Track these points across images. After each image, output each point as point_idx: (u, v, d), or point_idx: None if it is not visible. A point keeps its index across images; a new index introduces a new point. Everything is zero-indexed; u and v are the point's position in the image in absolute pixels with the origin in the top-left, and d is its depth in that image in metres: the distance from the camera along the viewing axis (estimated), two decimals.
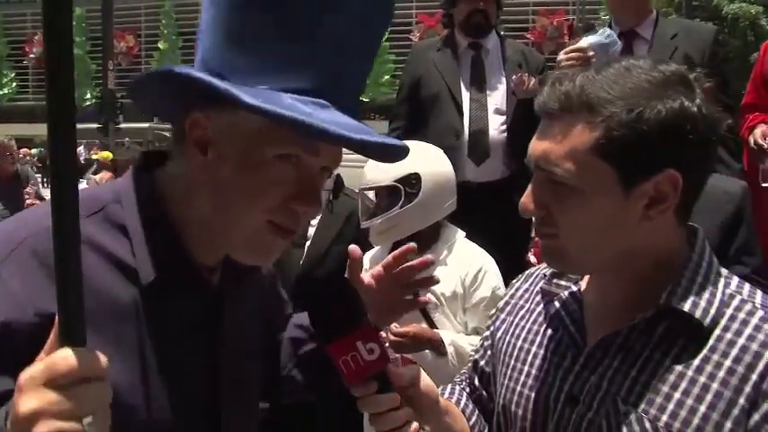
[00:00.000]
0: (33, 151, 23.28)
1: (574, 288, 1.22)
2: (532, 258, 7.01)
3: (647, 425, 1.03)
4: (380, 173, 2.43)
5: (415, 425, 1.07)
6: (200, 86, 0.95)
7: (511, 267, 2.38)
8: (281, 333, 1.39)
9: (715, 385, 1.00)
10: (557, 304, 1.22)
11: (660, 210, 1.05)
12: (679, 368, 1.04)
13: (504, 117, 3.61)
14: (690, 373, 1.02)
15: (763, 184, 2.82)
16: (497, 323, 1.36)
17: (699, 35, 3.27)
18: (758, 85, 3.05)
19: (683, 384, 1.02)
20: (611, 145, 1.01)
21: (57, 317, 0.76)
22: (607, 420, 1.07)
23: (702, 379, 1.01)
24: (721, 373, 1.01)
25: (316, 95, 0.97)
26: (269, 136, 0.97)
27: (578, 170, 1.03)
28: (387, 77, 29.84)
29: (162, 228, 1.05)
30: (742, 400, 0.99)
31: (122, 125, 20.75)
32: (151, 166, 1.10)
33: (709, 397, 1.00)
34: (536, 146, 1.09)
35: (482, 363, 1.38)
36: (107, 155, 10.44)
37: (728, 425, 0.98)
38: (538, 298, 1.27)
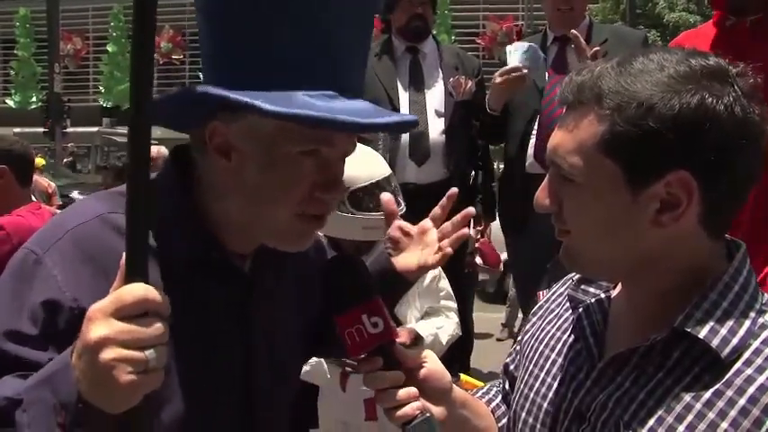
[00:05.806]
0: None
1: (602, 296, 1.13)
2: (478, 260, 7.19)
3: None
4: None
5: (418, 403, 1.05)
6: (216, 100, 1.01)
7: (451, 266, 2.49)
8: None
9: (724, 425, 0.91)
10: (582, 312, 1.13)
11: (674, 216, 0.96)
12: (688, 398, 0.94)
13: (443, 119, 3.71)
14: (698, 405, 0.93)
15: None
16: (527, 326, 1.29)
17: (628, 39, 3.50)
18: None
19: (689, 417, 0.93)
20: (615, 141, 0.94)
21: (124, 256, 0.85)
22: None
23: (711, 415, 0.92)
24: (733, 412, 0.91)
25: (323, 88, 1.03)
26: (289, 135, 1.03)
27: (584, 166, 0.97)
28: None
29: (191, 219, 1.13)
30: None
31: (69, 129, 20.36)
32: (182, 161, 1.16)
33: None
34: (552, 137, 1.03)
35: (511, 367, 1.33)
36: (39, 161, 10.32)
37: None
38: (568, 303, 1.19)
